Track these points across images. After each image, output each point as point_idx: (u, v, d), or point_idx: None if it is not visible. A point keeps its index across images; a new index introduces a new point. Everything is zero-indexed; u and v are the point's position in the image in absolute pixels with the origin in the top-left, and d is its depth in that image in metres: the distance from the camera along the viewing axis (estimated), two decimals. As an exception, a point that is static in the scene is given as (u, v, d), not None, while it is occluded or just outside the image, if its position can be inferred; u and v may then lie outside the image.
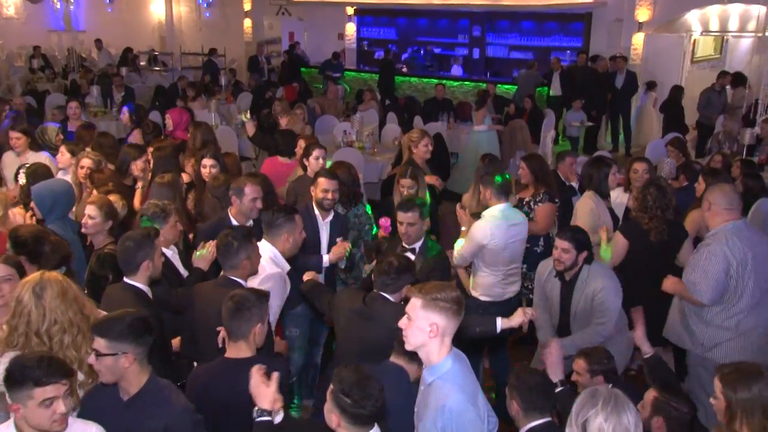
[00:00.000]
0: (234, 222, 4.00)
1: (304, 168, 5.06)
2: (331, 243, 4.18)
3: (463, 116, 10.91)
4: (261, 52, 14.68)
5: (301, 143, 5.59)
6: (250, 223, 4.07)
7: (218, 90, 11.91)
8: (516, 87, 11.95)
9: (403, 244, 3.88)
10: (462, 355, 2.46)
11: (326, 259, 4.02)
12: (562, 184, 5.73)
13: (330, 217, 4.28)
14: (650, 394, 2.71)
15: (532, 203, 4.91)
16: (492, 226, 4.05)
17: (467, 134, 9.20)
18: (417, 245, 3.86)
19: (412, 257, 3.80)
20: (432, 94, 11.42)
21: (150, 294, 3.19)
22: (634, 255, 4.23)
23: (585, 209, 4.68)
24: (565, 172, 5.76)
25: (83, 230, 3.81)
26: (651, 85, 11.40)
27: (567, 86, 11.45)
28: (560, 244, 3.80)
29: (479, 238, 4.04)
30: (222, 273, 3.30)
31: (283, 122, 7.04)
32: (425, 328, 2.33)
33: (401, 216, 3.81)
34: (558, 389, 2.99)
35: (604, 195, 4.73)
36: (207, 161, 4.90)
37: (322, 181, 4.18)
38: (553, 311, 4.05)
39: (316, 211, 4.23)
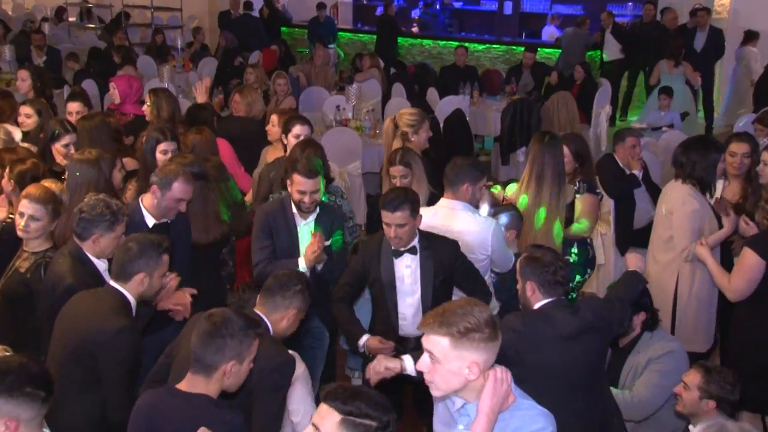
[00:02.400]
0: (147, 216, 3.98)
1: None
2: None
3: (491, 88, 10.94)
4: (236, 7, 14.50)
5: (274, 119, 5.54)
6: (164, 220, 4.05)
7: (174, 54, 11.96)
8: (559, 51, 11.98)
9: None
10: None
11: (302, 263, 3.99)
12: (621, 173, 5.74)
13: (313, 216, 4.21)
14: None
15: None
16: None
17: None
18: (414, 242, 3.84)
19: (412, 259, 3.82)
20: (450, 60, 11.44)
21: (134, 309, 3.25)
22: None
23: (685, 210, 4.42)
24: (625, 156, 5.76)
25: (20, 234, 3.76)
26: None
27: (628, 48, 11.42)
28: None
29: None
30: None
31: (235, 102, 6.56)
32: (461, 370, 2.32)
33: (387, 216, 3.70)
34: None
35: (708, 189, 4.52)
36: (167, 146, 4.71)
37: (299, 180, 4.04)
38: None
39: (294, 210, 4.18)
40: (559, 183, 4.48)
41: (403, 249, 3.82)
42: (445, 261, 3.84)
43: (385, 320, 3.96)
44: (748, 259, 3.97)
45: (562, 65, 11.29)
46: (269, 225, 4.15)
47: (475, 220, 4.07)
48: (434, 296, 3.82)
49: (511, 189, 4.77)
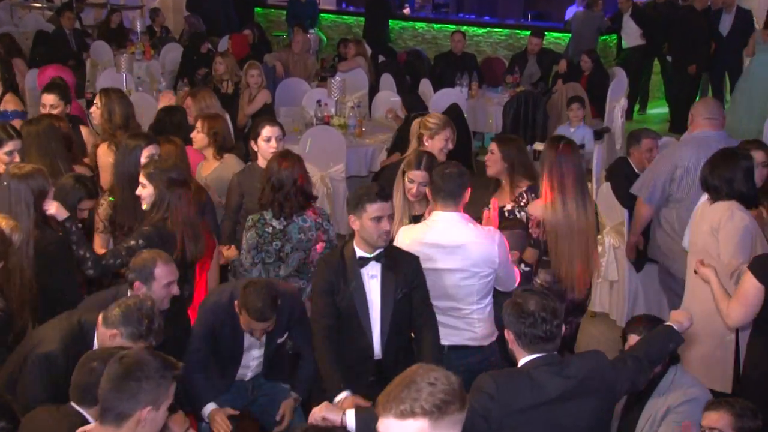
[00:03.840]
0: None
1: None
2: (270, 347, 4.25)
3: (492, 79, 10.99)
4: None
5: (199, 124, 5.57)
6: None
7: (132, 38, 11.95)
8: (569, 35, 12.05)
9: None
10: None
11: (208, 410, 4.06)
12: (636, 178, 5.80)
13: None
14: None
15: (517, 211, 4.79)
16: (402, 238, 4.23)
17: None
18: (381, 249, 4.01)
19: (376, 267, 3.96)
20: (446, 46, 11.49)
21: None
22: None
23: (734, 225, 4.38)
24: (641, 160, 5.83)
25: None
26: None
27: (650, 32, 11.46)
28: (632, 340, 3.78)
29: None
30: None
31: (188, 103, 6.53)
32: None
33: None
34: None
35: (753, 202, 4.50)
36: (153, 149, 4.74)
37: (247, 321, 3.96)
38: None
39: None
40: (582, 191, 4.64)
41: (369, 256, 3.93)
42: (408, 274, 3.96)
43: (358, 342, 3.98)
44: (747, 284, 3.99)
45: (573, 52, 11.30)
46: (212, 326, 4.15)
47: (477, 230, 4.13)
48: (394, 312, 3.94)
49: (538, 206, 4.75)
